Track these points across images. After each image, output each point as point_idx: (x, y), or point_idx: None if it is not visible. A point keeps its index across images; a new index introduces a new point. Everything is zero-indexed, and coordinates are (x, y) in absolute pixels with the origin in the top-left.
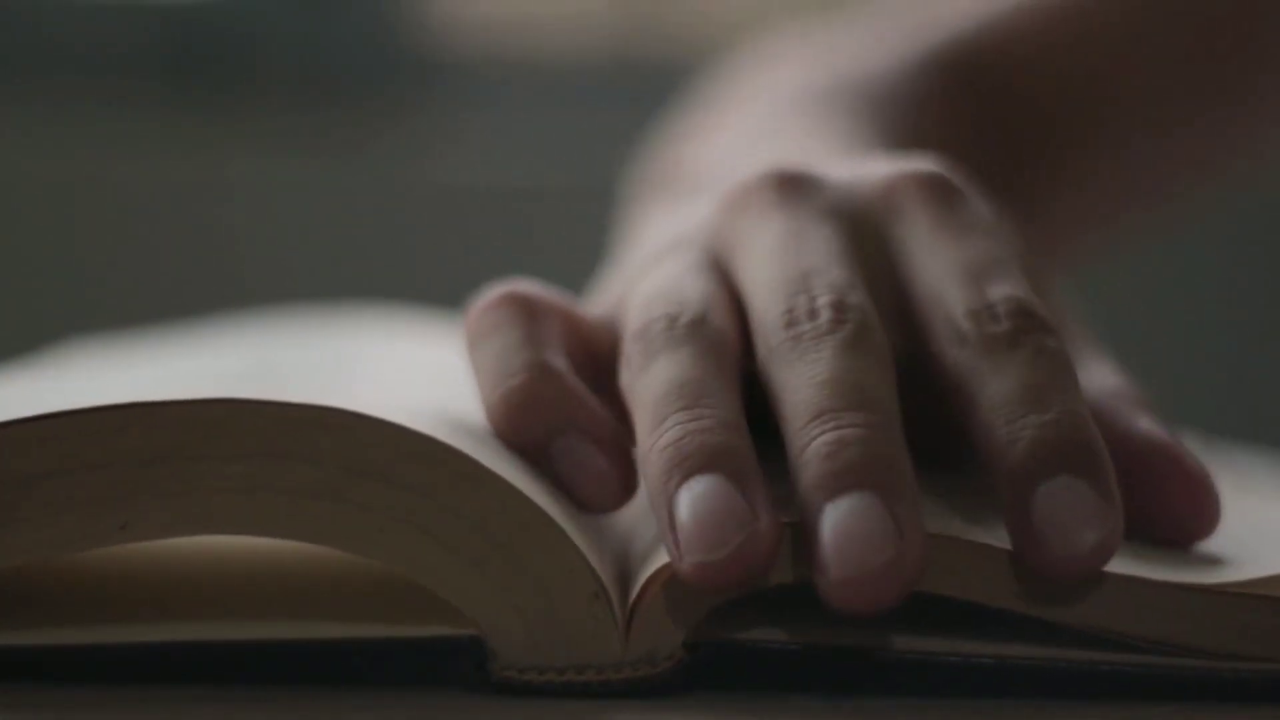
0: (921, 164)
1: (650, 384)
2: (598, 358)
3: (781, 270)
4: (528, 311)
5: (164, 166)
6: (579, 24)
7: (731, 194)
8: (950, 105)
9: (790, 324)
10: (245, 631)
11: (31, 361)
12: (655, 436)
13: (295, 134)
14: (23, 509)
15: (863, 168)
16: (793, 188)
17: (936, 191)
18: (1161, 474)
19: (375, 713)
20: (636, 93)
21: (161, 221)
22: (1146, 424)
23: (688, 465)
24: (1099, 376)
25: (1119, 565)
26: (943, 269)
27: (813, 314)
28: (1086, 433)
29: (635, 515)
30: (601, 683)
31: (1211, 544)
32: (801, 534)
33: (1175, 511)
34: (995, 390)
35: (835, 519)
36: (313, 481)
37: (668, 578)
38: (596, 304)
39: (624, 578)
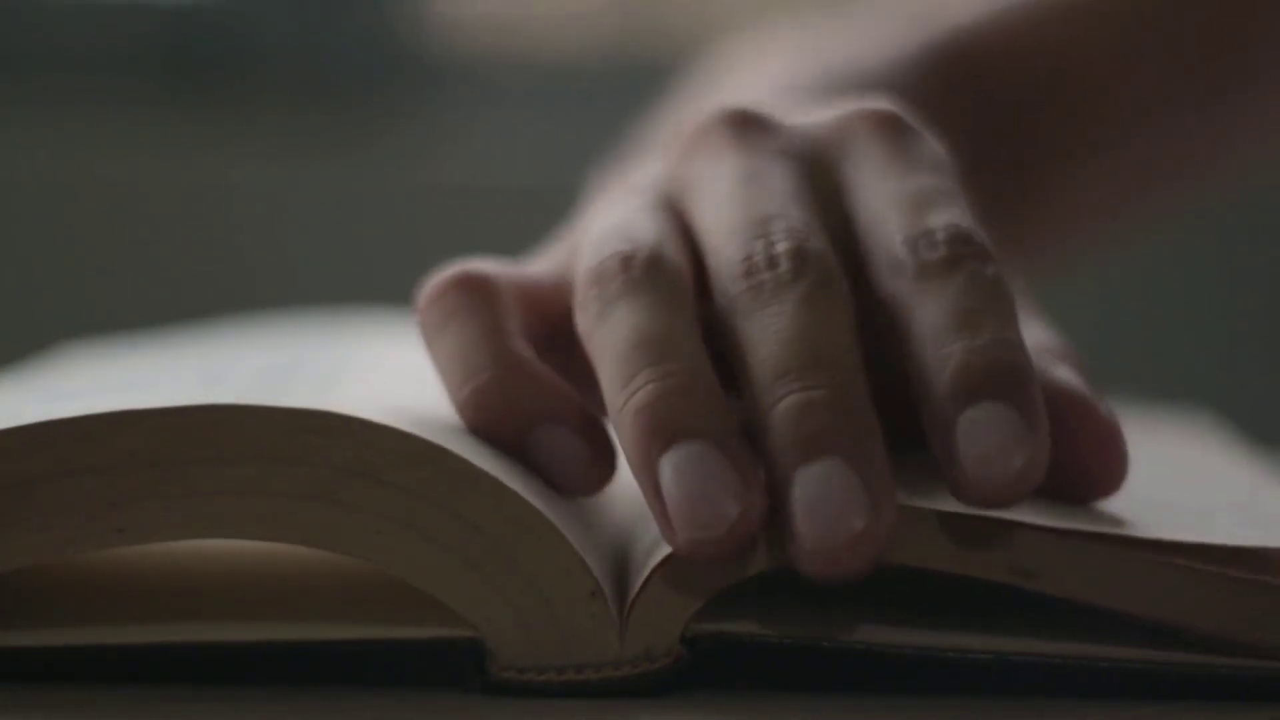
0: (873, 102)
1: (613, 334)
2: (555, 321)
3: (738, 213)
4: (481, 295)
5: (163, 167)
6: (578, 24)
7: (685, 135)
8: (946, 100)
9: (749, 272)
10: (245, 632)
11: (31, 364)
12: (626, 396)
13: (295, 134)
14: (22, 513)
15: (817, 110)
16: (747, 127)
17: (886, 127)
18: (1073, 423)
19: (375, 713)
20: (636, 93)
21: (160, 222)
22: (1065, 373)
23: (668, 431)
24: (1030, 331)
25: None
26: (886, 201)
27: (772, 262)
28: (1016, 358)
29: (631, 510)
30: (601, 681)
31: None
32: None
33: (1083, 462)
34: (927, 316)
35: (806, 486)
36: (307, 484)
37: (665, 573)
38: (550, 257)
39: (620, 574)
